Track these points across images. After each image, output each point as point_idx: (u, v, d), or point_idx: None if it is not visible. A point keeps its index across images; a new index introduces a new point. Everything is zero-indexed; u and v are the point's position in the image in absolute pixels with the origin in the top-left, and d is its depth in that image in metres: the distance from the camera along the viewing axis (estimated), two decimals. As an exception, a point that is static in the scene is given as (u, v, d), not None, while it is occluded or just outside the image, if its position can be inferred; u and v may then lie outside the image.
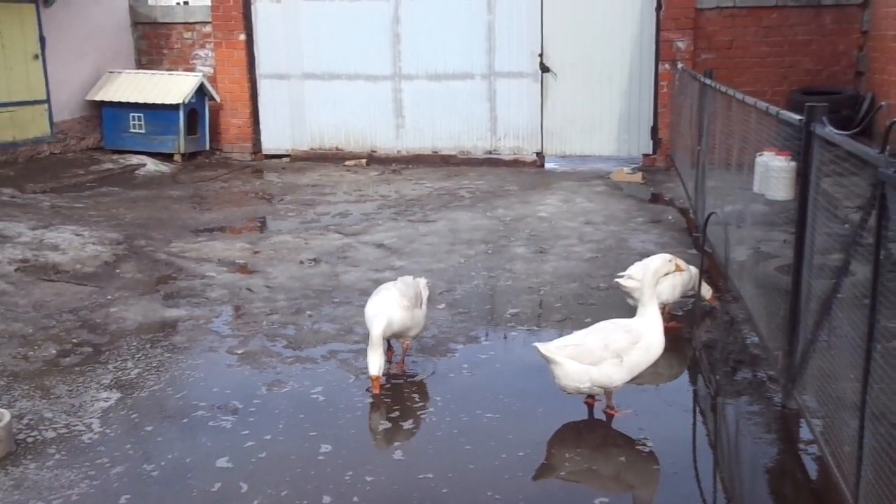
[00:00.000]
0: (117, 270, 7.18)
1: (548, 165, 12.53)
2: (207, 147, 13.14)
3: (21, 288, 6.56)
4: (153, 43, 13.67)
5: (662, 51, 11.73)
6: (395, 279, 5.04)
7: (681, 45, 11.65)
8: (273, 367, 5.18)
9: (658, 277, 4.65)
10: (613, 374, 4.28)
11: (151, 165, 12.18)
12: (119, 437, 4.32)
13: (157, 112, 12.50)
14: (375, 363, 4.67)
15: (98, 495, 3.77)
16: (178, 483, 3.87)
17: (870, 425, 3.04)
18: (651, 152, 12.12)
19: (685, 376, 5.19)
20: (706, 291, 5.84)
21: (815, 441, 3.95)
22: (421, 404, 4.66)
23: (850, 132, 3.64)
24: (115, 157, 12.46)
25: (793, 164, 7.33)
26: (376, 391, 4.71)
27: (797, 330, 4.24)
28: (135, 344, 5.56)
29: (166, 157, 12.59)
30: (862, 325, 3.13)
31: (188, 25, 13.46)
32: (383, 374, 4.77)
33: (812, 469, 3.97)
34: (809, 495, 3.79)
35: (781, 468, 4.01)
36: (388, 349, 5.06)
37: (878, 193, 2.89)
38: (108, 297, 6.49)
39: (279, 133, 13.33)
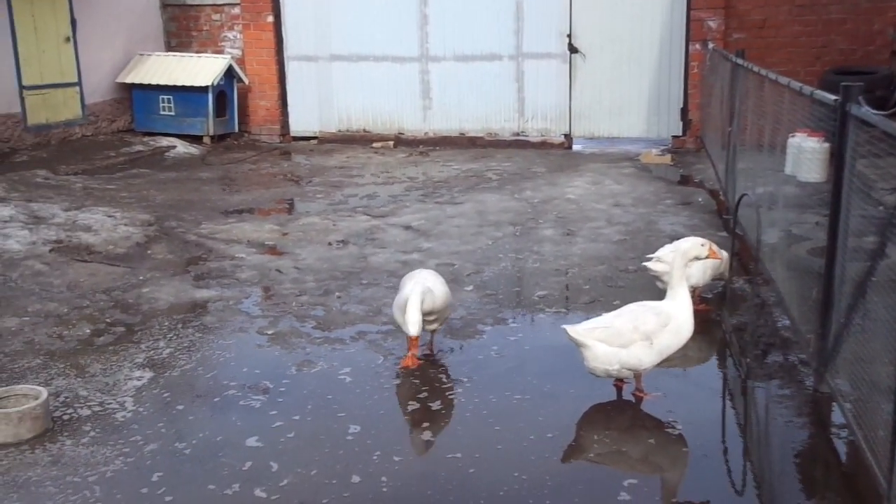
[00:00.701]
0: (149, 251, 7.27)
1: (576, 147, 12.43)
2: (236, 129, 13.21)
3: (56, 268, 6.67)
4: (182, 25, 13.74)
5: (693, 30, 11.56)
6: (425, 261, 5.04)
7: (712, 24, 11.47)
8: (302, 348, 5.22)
9: (688, 260, 4.59)
10: (643, 356, 4.26)
11: (181, 147, 12.28)
12: (152, 415, 4.39)
13: (186, 94, 12.58)
14: (415, 321, 4.46)
15: (132, 472, 3.84)
16: (210, 461, 3.93)
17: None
18: (681, 134, 11.98)
19: (715, 359, 5.16)
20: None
21: (847, 425, 3.91)
22: (449, 385, 4.68)
23: (886, 112, 3.57)
24: (145, 139, 12.57)
25: (826, 145, 7.24)
26: (414, 351, 4.67)
27: (830, 313, 4.19)
28: (167, 324, 5.63)
29: (195, 140, 12.68)
30: (897, 308, 3.08)
31: (217, 7, 13.50)
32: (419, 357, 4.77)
33: (844, 453, 3.93)
34: (840, 479, 3.77)
35: (813, 452, 3.98)
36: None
37: (917, 174, 2.84)
38: (140, 277, 6.57)
39: (307, 115, 13.36)
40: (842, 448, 3.96)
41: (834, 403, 4.21)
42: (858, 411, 3.74)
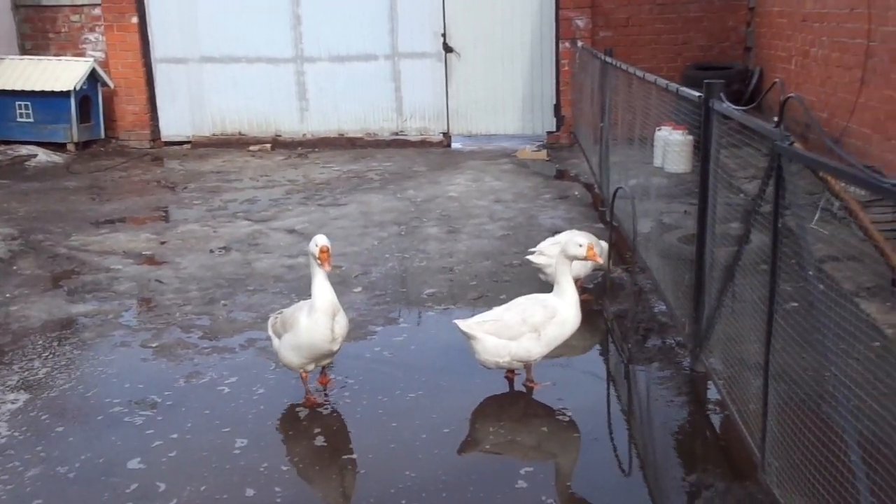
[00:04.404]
0: (14, 267, 6.87)
1: (454, 145, 12.60)
2: (103, 135, 12.64)
3: None
4: (37, 27, 13.02)
5: (562, 29, 11.94)
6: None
7: (580, 23, 11.88)
8: (190, 359, 5.07)
9: (569, 258, 4.70)
10: (531, 347, 4.39)
11: (43, 156, 11.64)
12: (29, 439, 4.17)
13: (46, 100, 11.93)
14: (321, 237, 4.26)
15: (12, 501, 3.63)
16: (94, 484, 3.76)
17: (773, 383, 3.23)
18: (554, 129, 12.35)
19: (599, 347, 5.36)
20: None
21: (722, 401, 4.17)
22: (341, 388, 4.66)
23: (746, 107, 3.82)
24: (1, 147, 11.85)
25: (690, 137, 7.63)
26: (328, 267, 4.24)
27: (702, 297, 4.44)
28: (40, 342, 5.35)
29: (59, 147, 12.05)
30: (763, 289, 3.31)
31: (75, 8, 12.87)
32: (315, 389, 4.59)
33: (720, 427, 4.18)
34: (718, 451, 4.00)
35: (692, 428, 4.21)
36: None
37: (776, 165, 3.06)
38: (7, 294, 6.21)
39: (179, 119, 12.94)
40: (718, 423, 4.21)
41: (709, 381, 4.47)
42: (731, 387, 3.99)
